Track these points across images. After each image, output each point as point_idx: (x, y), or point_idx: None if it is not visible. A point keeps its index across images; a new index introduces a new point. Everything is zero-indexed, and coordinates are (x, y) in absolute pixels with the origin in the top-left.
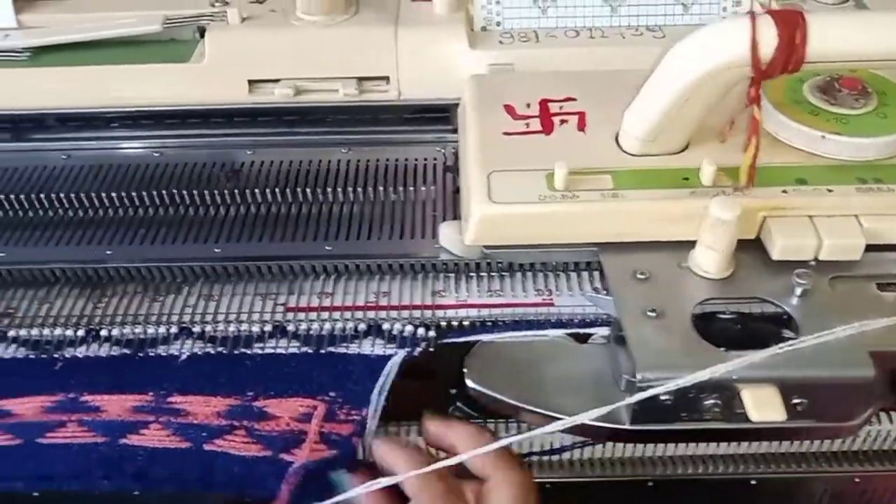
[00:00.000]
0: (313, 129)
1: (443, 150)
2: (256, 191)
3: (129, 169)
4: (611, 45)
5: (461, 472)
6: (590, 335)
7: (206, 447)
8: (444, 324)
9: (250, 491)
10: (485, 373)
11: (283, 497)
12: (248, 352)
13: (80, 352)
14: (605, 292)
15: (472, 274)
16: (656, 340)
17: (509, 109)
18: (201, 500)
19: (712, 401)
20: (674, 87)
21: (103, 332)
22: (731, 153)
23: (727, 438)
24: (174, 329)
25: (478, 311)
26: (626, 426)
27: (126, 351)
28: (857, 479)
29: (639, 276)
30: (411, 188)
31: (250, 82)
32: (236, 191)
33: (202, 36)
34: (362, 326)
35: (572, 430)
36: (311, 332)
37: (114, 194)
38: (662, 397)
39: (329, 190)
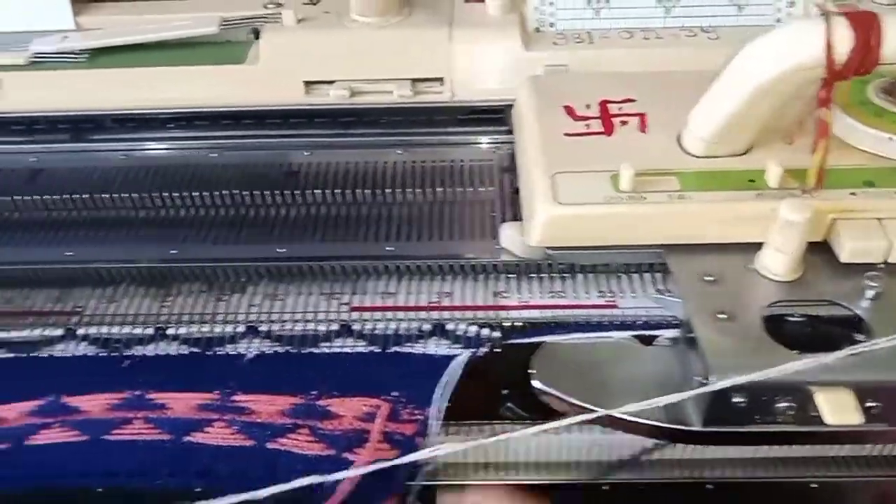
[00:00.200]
0: (368, 131)
1: (497, 151)
2: (316, 192)
3: (188, 169)
4: (665, 47)
5: None
6: (655, 337)
7: (270, 445)
8: (507, 325)
9: (313, 491)
10: (551, 374)
11: (341, 494)
12: (313, 351)
13: (147, 350)
14: (670, 294)
15: (532, 275)
16: (728, 342)
17: (568, 110)
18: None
19: (786, 404)
20: (744, 89)
21: (170, 331)
22: (795, 155)
23: (801, 442)
24: (241, 328)
25: (541, 313)
26: (698, 428)
27: (192, 349)
28: None
29: (707, 278)
30: (468, 189)
31: (306, 83)
32: (296, 192)
33: (256, 37)
34: (426, 326)
35: (644, 432)
36: (376, 331)
37: (175, 195)
38: (735, 399)
39: (387, 191)
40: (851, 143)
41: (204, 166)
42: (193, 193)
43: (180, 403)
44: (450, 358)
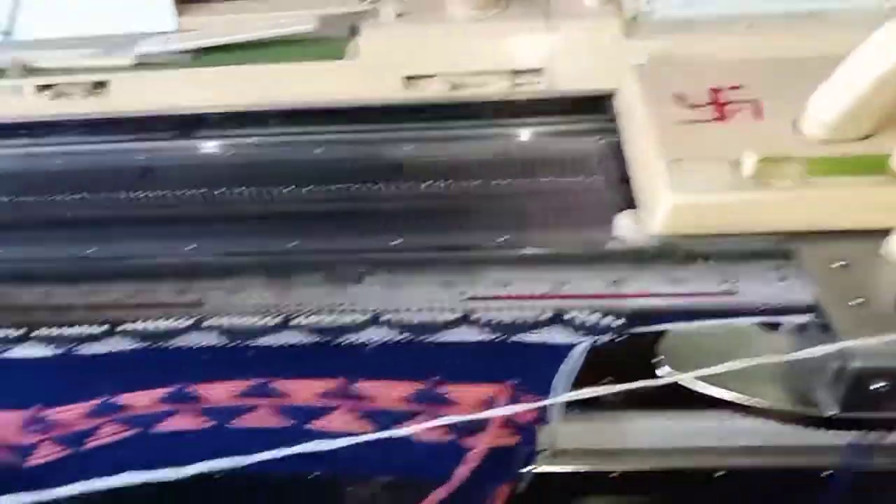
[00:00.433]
0: (469, 123)
1: (599, 141)
2: (425, 184)
3: (295, 164)
4: (768, 33)
5: None
6: (780, 324)
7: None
8: (629, 313)
9: (429, 476)
10: (678, 361)
11: (458, 479)
12: (433, 339)
13: (270, 340)
14: (796, 281)
15: (649, 263)
16: (865, 329)
17: (678, 98)
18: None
19: None
20: (873, 73)
21: (294, 321)
22: None
23: None
24: (363, 317)
25: (662, 301)
26: (837, 414)
27: (315, 339)
28: None
29: (836, 264)
30: (573, 178)
31: (406, 78)
32: (404, 184)
33: (353, 33)
34: (546, 315)
35: (775, 418)
36: (496, 320)
37: (286, 189)
38: (874, 385)
39: (494, 182)
40: None
41: (310, 161)
42: (305, 188)
43: (303, 391)
44: (570, 346)
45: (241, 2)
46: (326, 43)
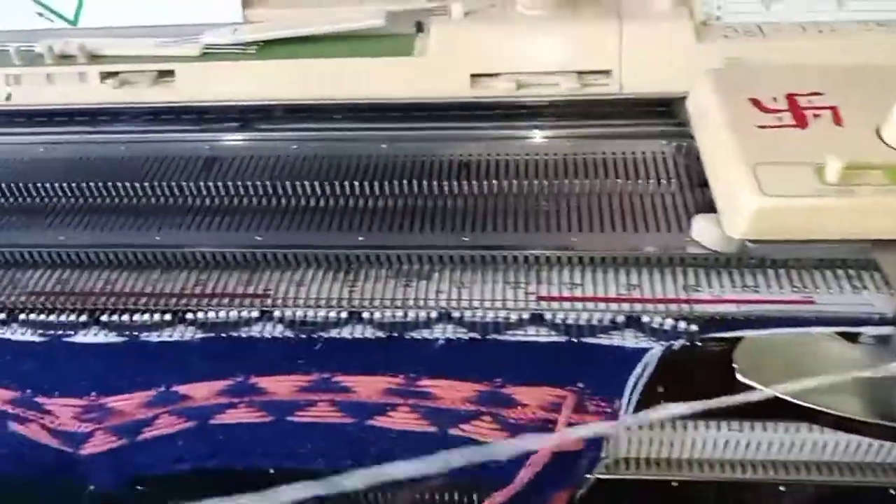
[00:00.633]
0: (535, 123)
1: (669, 144)
2: (494, 182)
3: (361, 160)
4: (843, 39)
5: None
6: (859, 334)
7: (451, 432)
8: (705, 318)
9: (488, 477)
10: (756, 369)
11: (519, 482)
12: (501, 338)
13: (336, 333)
14: (877, 290)
15: (722, 268)
16: None
17: (756, 103)
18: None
19: None
20: None
21: (364, 315)
22: None
23: None
24: (433, 314)
25: (737, 307)
26: None
27: (381, 334)
28: None
29: None
30: (643, 181)
31: (472, 76)
32: (473, 182)
33: (419, 30)
34: (620, 318)
35: (857, 430)
36: (565, 321)
37: (355, 183)
38: None
39: (565, 182)
40: None
41: (376, 157)
42: (373, 182)
43: (366, 387)
44: (641, 350)
45: None
46: (394, 39)
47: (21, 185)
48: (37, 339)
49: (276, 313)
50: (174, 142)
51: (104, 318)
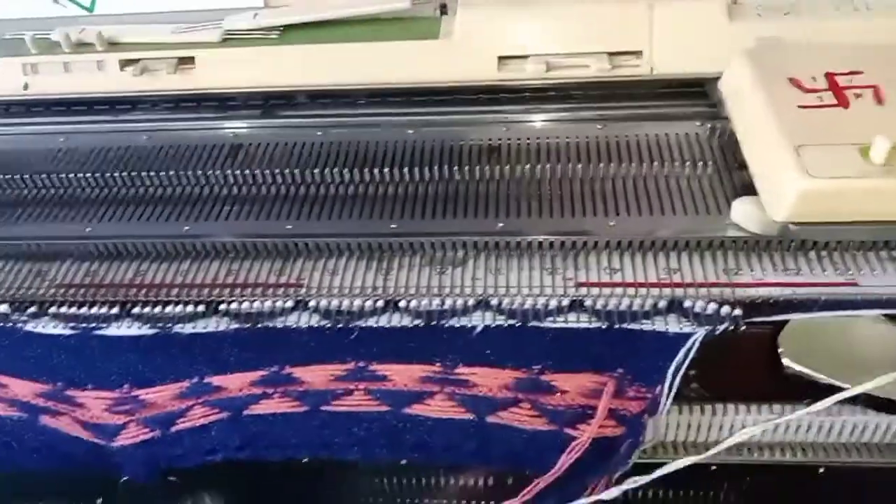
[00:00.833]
0: (564, 105)
1: (702, 125)
2: (527, 167)
3: (388, 146)
4: (877, 18)
5: None
6: None
7: (489, 419)
8: (749, 302)
9: (528, 465)
10: (802, 353)
11: (560, 468)
12: (539, 325)
13: (374, 322)
14: None
15: (762, 252)
16: None
17: (795, 83)
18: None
19: None
20: None
21: (401, 303)
22: None
23: None
24: (471, 301)
25: (780, 290)
26: None
27: (417, 322)
28: None
29: None
30: (678, 164)
31: (500, 58)
32: (502, 167)
33: (444, 12)
34: (662, 303)
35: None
36: (605, 307)
37: (380, 170)
38: None
39: (601, 166)
40: None
41: (403, 142)
42: (402, 169)
43: (403, 375)
44: (681, 335)
45: None
46: (418, 22)
47: (45, 175)
48: (67, 332)
49: (311, 303)
50: (196, 130)
51: (136, 310)
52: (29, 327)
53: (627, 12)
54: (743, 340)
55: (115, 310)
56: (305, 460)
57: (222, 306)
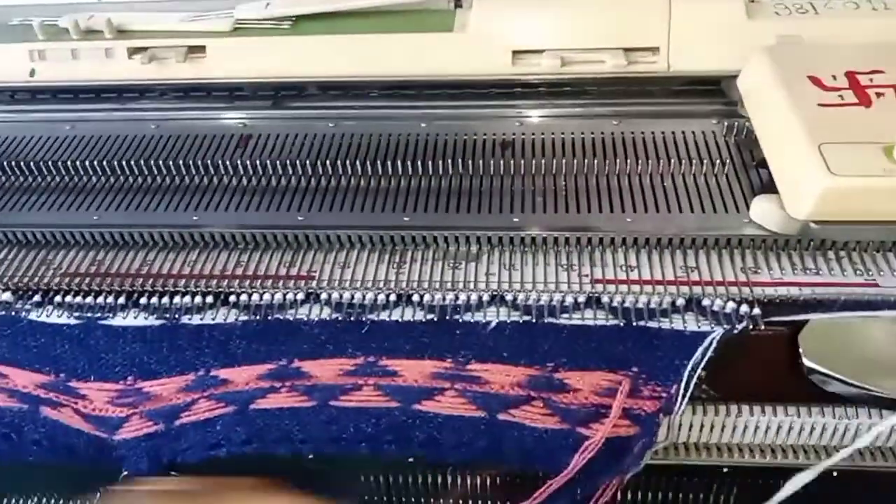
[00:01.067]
0: (579, 101)
1: (719, 123)
2: (542, 161)
3: (401, 138)
4: None
5: None
6: None
7: (501, 417)
8: (768, 301)
9: (539, 465)
10: (822, 352)
11: (573, 468)
12: (554, 321)
13: (386, 316)
14: None
15: (781, 251)
16: None
17: (816, 81)
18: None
19: None
20: None
21: (414, 298)
22: None
23: None
24: (485, 296)
25: (799, 290)
26: None
27: (430, 316)
28: None
29: None
30: (696, 160)
31: (514, 53)
32: (517, 161)
33: (458, 5)
34: (680, 301)
35: None
36: (622, 304)
37: (396, 162)
38: None
39: (605, 162)
40: None
41: (416, 135)
42: (416, 161)
43: (413, 371)
44: (699, 334)
45: None
46: (432, 14)
47: (51, 162)
48: (72, 321)
49: (322, 296)
50: (205, 119)
51: (142, 300)
52: (32, 316)
53: (645, 8)
54: (761, 340)
55: (121, 300)
56: (311, 456)
57: (231, 298)
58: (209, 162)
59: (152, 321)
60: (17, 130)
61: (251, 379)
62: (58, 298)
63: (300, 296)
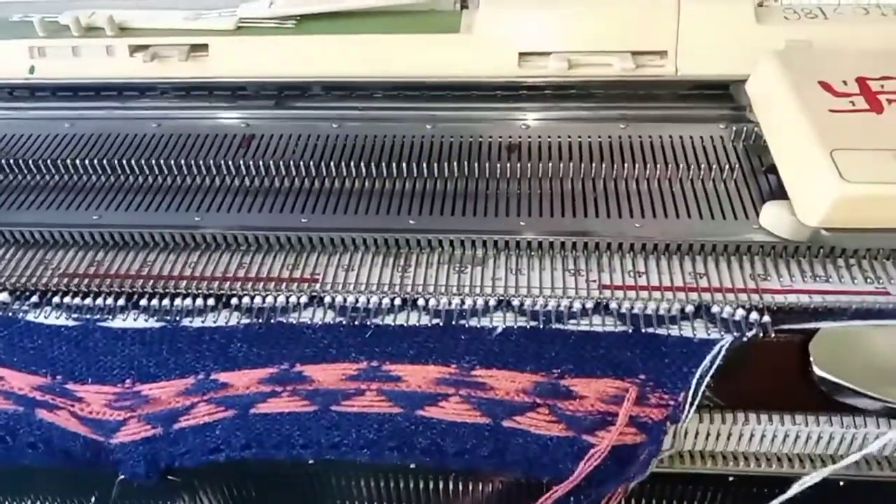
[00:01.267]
0: (586, 104)
1: (727, 128)
2: (549, 164)
3: (406, 140)
4: None
5: None
6: None
7: (505, 424)
8: (778, 309)
9: (544, 472)
10: (833, 361)
11: (578, 476)
12: (561, 327)
13: (391, 320)
14: None
15: (790, 258)
16: None
17: (826, 87)
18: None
19: None
20: None
21: (419, 302)
22: None
23: None
24: (491, 301)
25: (809, 298)
26: None
27: (436, 321)
28: None
29: None
30: (704, 165)
31: (521, 55)
32: (524, 164)
33: (464, 6)
34: (689, 308)
35: None
36: (630, 311)
37: (401, 164)
38: None
39: (613, 166)
40: None
41: (421, 137)
42: (421, 163)
43: (417, 376)
44: (708, 341)
45: None
46: (438, 15)
47: (49, 161)
48: (70, 322)
49: (326, 299)
50: (207, 119)
51: (142, 302)
52: (30, 317)
53: (653, 11)
54: (770, 348)
55: (120, 301)
56: (311, 462)
57: (233, 300)
58: (211, 162)
59: (152, 323)
60: (16, 128)
61: (252, 383)
62: (56, 299)
63: (303, 299)
